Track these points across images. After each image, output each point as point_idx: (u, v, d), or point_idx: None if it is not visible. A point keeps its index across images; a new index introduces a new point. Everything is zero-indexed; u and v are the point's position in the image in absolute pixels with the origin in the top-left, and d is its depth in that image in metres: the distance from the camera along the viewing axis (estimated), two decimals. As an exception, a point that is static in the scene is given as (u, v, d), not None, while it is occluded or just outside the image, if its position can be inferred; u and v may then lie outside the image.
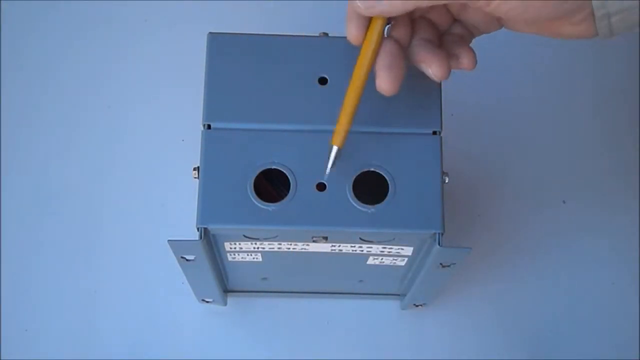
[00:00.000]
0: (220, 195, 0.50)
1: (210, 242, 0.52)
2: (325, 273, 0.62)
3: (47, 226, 0.71)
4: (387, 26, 0.48)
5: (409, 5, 0.45)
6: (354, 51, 0.53)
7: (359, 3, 0.46)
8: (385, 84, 0.47)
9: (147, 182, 0.72)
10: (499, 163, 0.73)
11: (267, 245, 0.54)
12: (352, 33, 0.47)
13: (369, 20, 0.47)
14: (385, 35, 0.48)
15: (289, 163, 0.50)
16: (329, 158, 0.49)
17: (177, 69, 0.75)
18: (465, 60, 0.48)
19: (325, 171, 0.50)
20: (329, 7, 0.77)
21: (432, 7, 0.49)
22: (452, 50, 0.49)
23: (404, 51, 0.48)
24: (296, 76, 0.52)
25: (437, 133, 0.52)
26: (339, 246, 0.54)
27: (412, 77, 0.50)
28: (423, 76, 0.48)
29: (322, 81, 0.52)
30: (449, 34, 0.50)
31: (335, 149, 0.49)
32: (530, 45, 0.76)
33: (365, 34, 0.47)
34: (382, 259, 0.56)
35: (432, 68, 0.47)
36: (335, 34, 0.54)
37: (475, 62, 0.49)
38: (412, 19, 0.49)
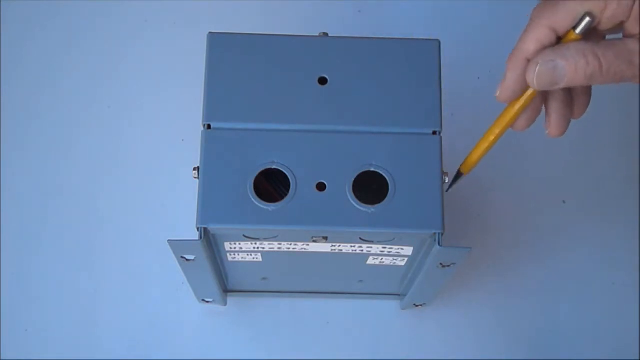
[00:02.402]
0: (220, 195, 0.50)
1: (210, 242, 0.52)
2: (325, 273, 0.62)
3: (47, 226, 0.71)
4: None
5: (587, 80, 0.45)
6: (353, 51, 0.53)
7: (534, 81, 0.46)
8: (556, 129, 0.51)
9: (147, 182, 0.72)
10: (499, 163, 0.73)
11: (267, 245, 0.54)
12: (506, 95, 0.50)
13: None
14: None
15: (289, 163, 0.50)
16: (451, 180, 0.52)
17: (177, 69, 0.75)
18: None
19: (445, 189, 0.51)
20: (329, 7, 0.77)
21: None
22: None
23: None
24: (296, 76, 0.52)
25: (437, 133, 0.52)
26: (339, 246, 0.54)
27: (412, 77, 0.50)
28: (423, 76, 0.48)
29: (322, 81, 0.52)
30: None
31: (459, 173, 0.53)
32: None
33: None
34: (382, 259, 0.56)
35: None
36: (335, 34, 0.54)
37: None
38: None
